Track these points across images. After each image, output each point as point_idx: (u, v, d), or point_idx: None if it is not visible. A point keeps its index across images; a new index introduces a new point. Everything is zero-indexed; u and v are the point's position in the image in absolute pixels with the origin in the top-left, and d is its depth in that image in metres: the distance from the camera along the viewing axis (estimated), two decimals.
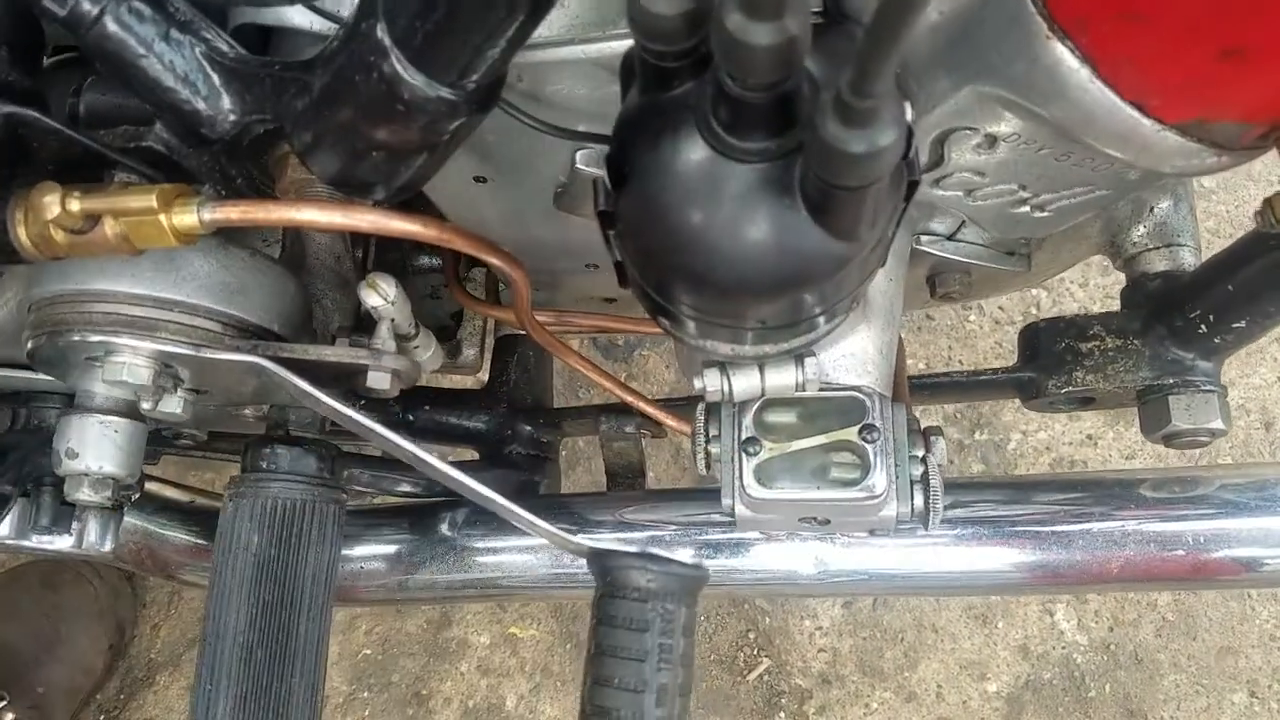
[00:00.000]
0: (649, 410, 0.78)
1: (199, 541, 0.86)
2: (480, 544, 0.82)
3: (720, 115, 0.40)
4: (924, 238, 0.70)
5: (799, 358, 0.56)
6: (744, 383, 0.57)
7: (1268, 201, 0.49)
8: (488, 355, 0.98)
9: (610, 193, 0.46)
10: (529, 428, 0.91)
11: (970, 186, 0.57)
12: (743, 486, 0.58)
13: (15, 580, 1.31)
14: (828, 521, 0.61)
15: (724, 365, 0.57)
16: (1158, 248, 0.73)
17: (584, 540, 0.58)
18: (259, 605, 0.63)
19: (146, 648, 1.35)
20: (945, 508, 0.70)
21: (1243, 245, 0.65)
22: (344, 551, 0.81)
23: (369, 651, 1.32)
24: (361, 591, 0.82)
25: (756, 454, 0.57)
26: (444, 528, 0.83)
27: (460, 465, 0.76)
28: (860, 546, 0.73)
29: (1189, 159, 0.48)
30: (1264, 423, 1.31)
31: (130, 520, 0.85)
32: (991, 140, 0.52)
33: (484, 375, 0.98)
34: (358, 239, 0.75)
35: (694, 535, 0.76)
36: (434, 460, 0.59)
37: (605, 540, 0.63)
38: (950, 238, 0.71)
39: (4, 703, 1.22)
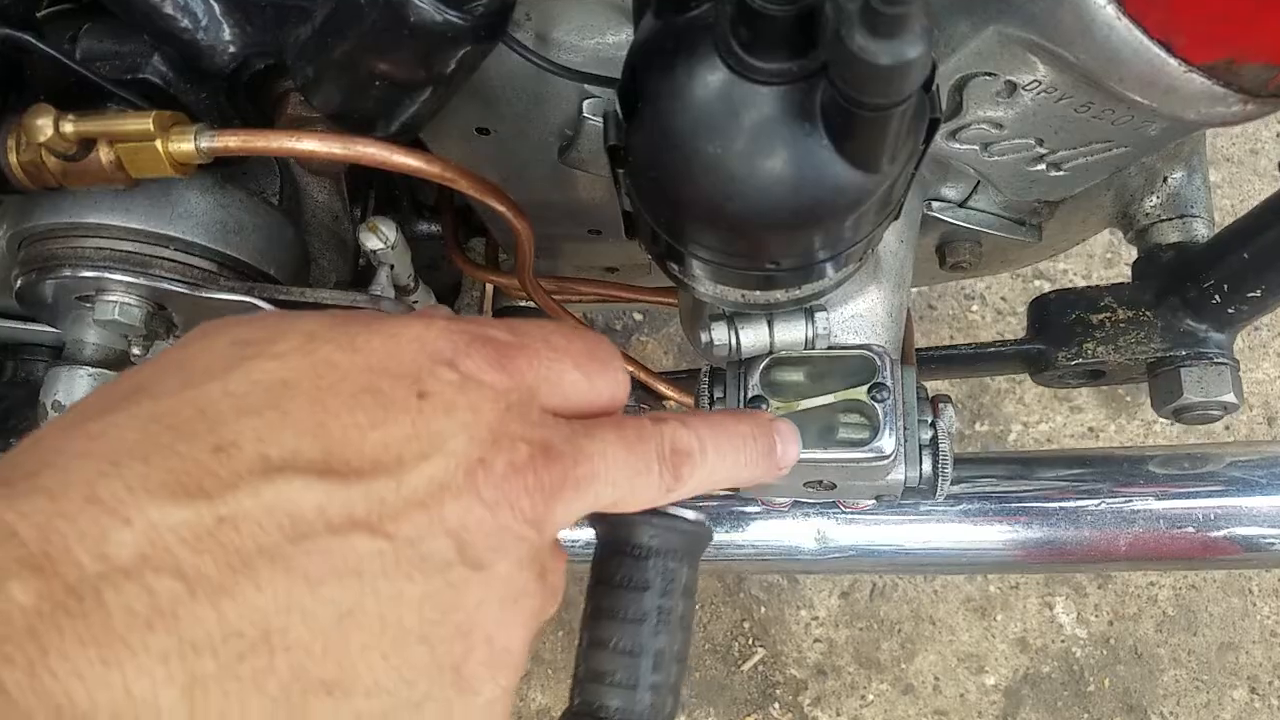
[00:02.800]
0: (649, 381, 0.77)
1: None
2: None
3: (740, 34, 0.39)
4: (935, 204, 0.69)
5: (808, 312, 0.55)
6: (752, 337, 0.55)
7: None
8: None
9: (621, 125, 0.45)
10: None
11: (987, 140, 0.56)
12: None
13: None
14: (834, 486, 0.59)
15: (731, 318, 0.56)
16: (1170, 219, 0.72)
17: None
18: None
19: None
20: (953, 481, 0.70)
21: (1259, 212, 0.64)
22: None
23: None
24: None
25: (762, 409, 0.56)
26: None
27: None
28: (863, 522, 0.71)
29: (1214, 104, 0.47)
30: (1267, 417, 1.30)
31: None
32: (1011, 88, 0.51)
33: None
34: (355, 198, 0.73)
35: (691, 503, 0.74)
36: None
37: None
38: (962, 204, 0.70)
39: None
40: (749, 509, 0.74)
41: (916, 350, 0.77)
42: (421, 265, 0.94)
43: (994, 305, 1.39)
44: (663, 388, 0.80)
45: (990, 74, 0.50)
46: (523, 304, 0.98)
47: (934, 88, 0.42)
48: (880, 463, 0.55)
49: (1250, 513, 0.70)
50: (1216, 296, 0.66)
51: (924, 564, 0.74)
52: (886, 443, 0.55)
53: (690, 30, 0.40)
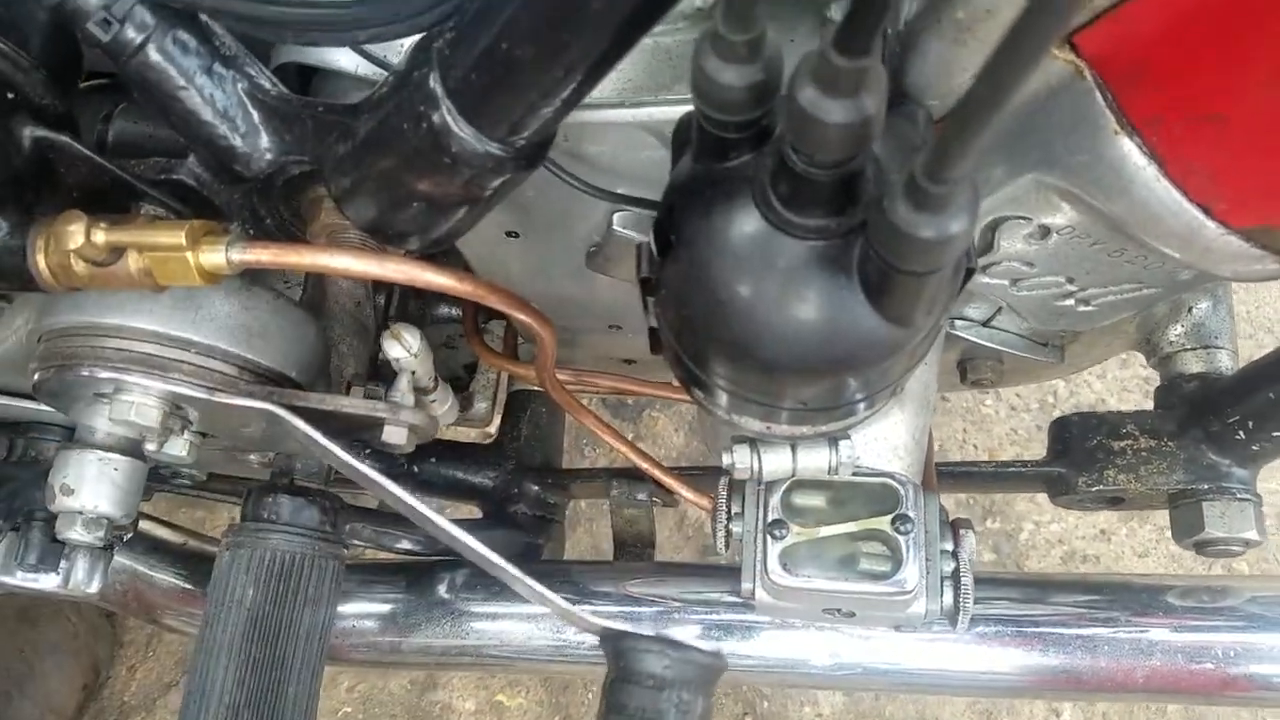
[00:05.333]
0: (664, 479, 0.76)
1: (188, 587, 0.83)
2: (479, 609, 0.79)
3: (780, 189, 0.39)
4: (959, 322, 0.69)
5: (833, 439, 0.54)
6: (774, 462, 0.55)
7: None
8: (499, 410, 0.96)
9: (655, 259, 0.45)
10: (536, 487, 0.89)
11: (1017, 276, 0.56)
12: (766, 571, 0.55)
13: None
14: (853, 614, 0.58)
15: (754, 442, 0.55)
16: (1194, 349, 0.72)
17: (597, 619, 0.55)
18: (249, 663, 0.60)
19: (120, 690, 1.30)
20: None
21: None
22: (338, 609, 0.78)
23: (349, 709, 1.27)
24: (352, 651, 0.79)
25: (783, 538, 0.55)
26: (442, 589, 0.80)
27: (463, 524, 0.73)
28: (876, 640, 0.70)
29: (1249, 264, 0.47)
30: (1275, 529, 1.28)
31: (119, 560, 0.82)
32: (1044, 231, 0.51)
33: (493, 430, 0.95)
34: (380, 286, 0.73)
35: (703, 614, 0.72)
36: (443, 521, 0.56)
37: (615, 618, 0.60)
38: (985, 324, 0.69)
39: None
40: (760, 620, 0.72)
41: (937, 464, 0.76)
42: (440, 344, 0.95)
43: (1008, 400, 1.38)
44: (675, 484, 0.79)
45: (1025, 217, 0.50)
46: (535, 388, 0.97)
47: (972, 241, 0.42)
48: (903, 597, 0.54)
49: (1270, 651, 0.68)
50: (1240, 433, 0.65)
51: (936, 686, 0.72)
52: (910, 576, 0.54)
53: (729, 179, 0.40)
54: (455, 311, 0.86)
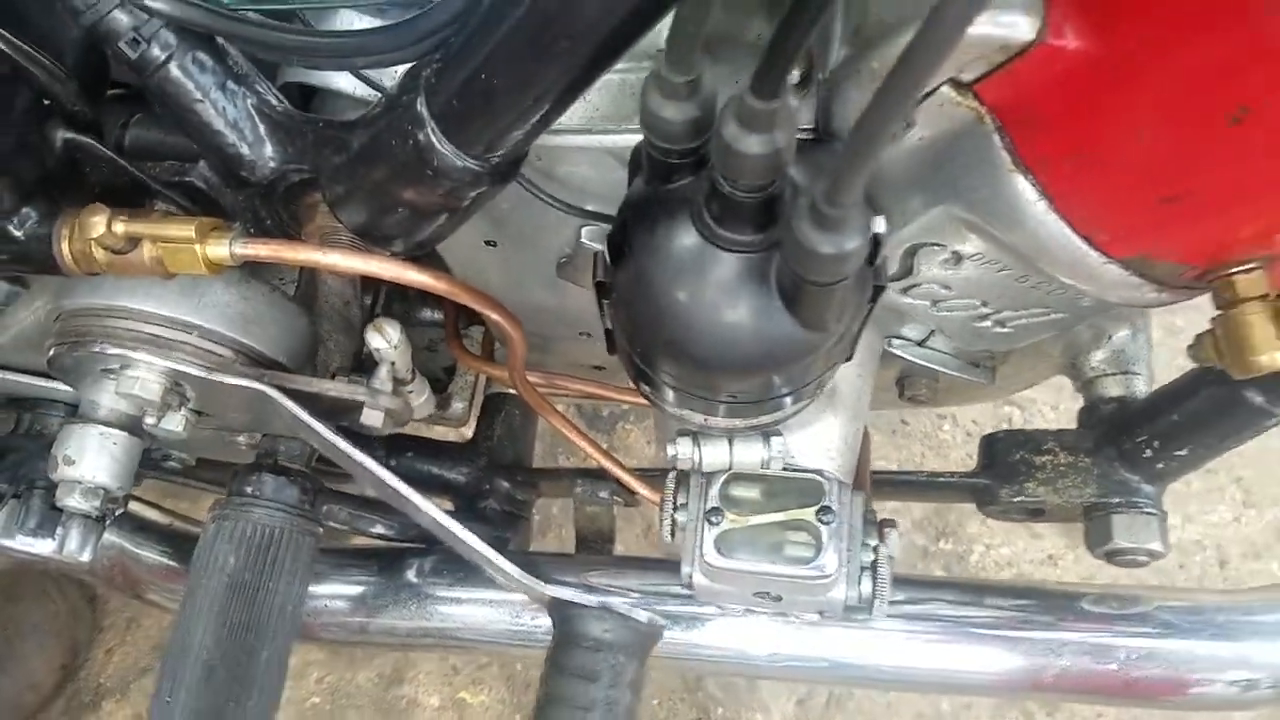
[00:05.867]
0: (623, 477, 0.82)
1: (172, 564, 0.87)
2: (444, 593, 0.85)
3: (712, 209, 0.45)
4: (896, 341, 0.75)
5: (766, 435, 0.61)
6: (713, 454, 0.61)
7: (1199, 337, 0.54)
8: (475, 411, 1.02)
9: (609, 266, 0.51)
10: (506, 484, 0.95)
11: (936, 298, 0.62)
12: (702, 554, 0.61)
13: None
14: (780, 598, 0.64)
15: (696, 435, 0.61)
16: (1114, 374, 0.78)
17: (545, 587, 0.61)
18: (226, 626, 0.65)
19: (98, 672, 1.34)
20: (900, 602, 0.74)
21: (1189, 379, 0.70)
22: (310, 588, 0.84)
23: (318, 700, 1.32)
24: (321, 629, 0.84)
25: (718, 524, 0.61)
26: (410, 574, 0.85)
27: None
28: (812, 633, 0.76)
29: (1132, 291, 0.53)
30: (1219, 560, 1.35)
31: (108, 537, 0.87)
32: (957, 257, 0.57)
33: (469, 430, 1.01)
34: (367, 286, 0.79)
35: (653, 604, 0.78)
36: (412, 494, 0.62)
37: (567, 592, 0.66)
38: (920, 344, 0.76)
39: None
40: (707, 610, 0.78)
41: (874, 472, 0.82)
42: (422, 347, 1.00)
43: (965, 427, 1.45)
44: (633, 482, 0.85)
45: (939, 244, 0.57)
46: (511, 391, 1.03)
47: (881, 260, 0.48)
48: (821, 580, 0.60)
49: (1171, 655, 0.74)
50: (1148, 451, 0.72)
51: (870, 678, 0.78)
52: (829, 562, 0.60)
53: (672, 199, 0.47)
54: (437, 315, 0.92)
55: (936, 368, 0.76)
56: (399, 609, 0.85)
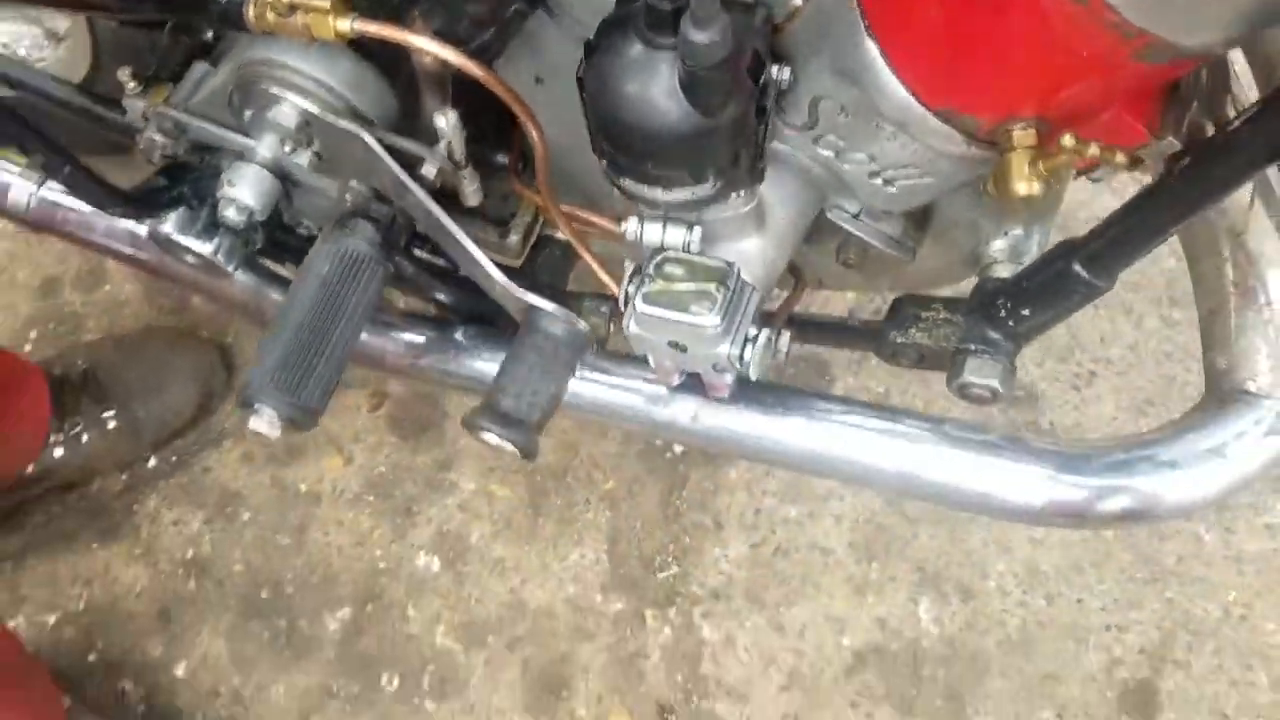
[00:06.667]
0: (606, 279, 1.02)
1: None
2: (476, 352, 1.09)
3: (647, 19, 0.65)
4: (835, 211, 0.94)
5: (690, 225, 0.81)
6: (651, 233, 0.81)
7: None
8: (528, 246, 1.25)
9: (584, 64, 0.72)
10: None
11: (836, 149, 0.81)
12: (634, 306, 0.82)
13: (150, 334, 1.65)
14: (685, 349, 0.84)
15: (642, 218, 0.82)
16: (1004, 261, 0.95)
17: (525, 295, 0.85)
18: (315, 306, 0.90)
19: (222, 419, 1.66)
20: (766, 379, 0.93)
21: (1042, 258, 0.86)
22: (379, 328, 1.09)
23: (383, 470, 1.59)
24: (380, 356, 1.10)
25: (648, 285, 0.82)
26: (457, 335, 1.10)
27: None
28: (715, 409, 0.96)
29: (950, 143, 0.71)
30: None
31: (246, 276, 1.15)
32: (843, 108, 0.76)
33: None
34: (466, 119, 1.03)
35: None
36: (449, 221, 0.86)
37: (537, 299, 0.89)
38: (855, 217, 0.94)
39: (111, 412, 1.55)
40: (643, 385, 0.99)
41: (794, 313, 1.02)
42: (497, 195, 1.24)
43: None
44: (611, 284, 1.04)
45: (829, 97, 0.76)
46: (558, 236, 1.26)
47: (769, 90, 0.68)
48: (711, 332, 0.79)
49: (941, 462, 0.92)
50: (1003, 312, 0.88)
51: (728, 446, 0.98)
52: (716, 320, 0.79)
53: (626, 14, 0.67)
54: (505, 160, 1.15)
55: (865, 237, 0.94)
56: (440, 355, 1.10)
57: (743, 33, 0.65)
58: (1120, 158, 0.66)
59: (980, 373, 0.89)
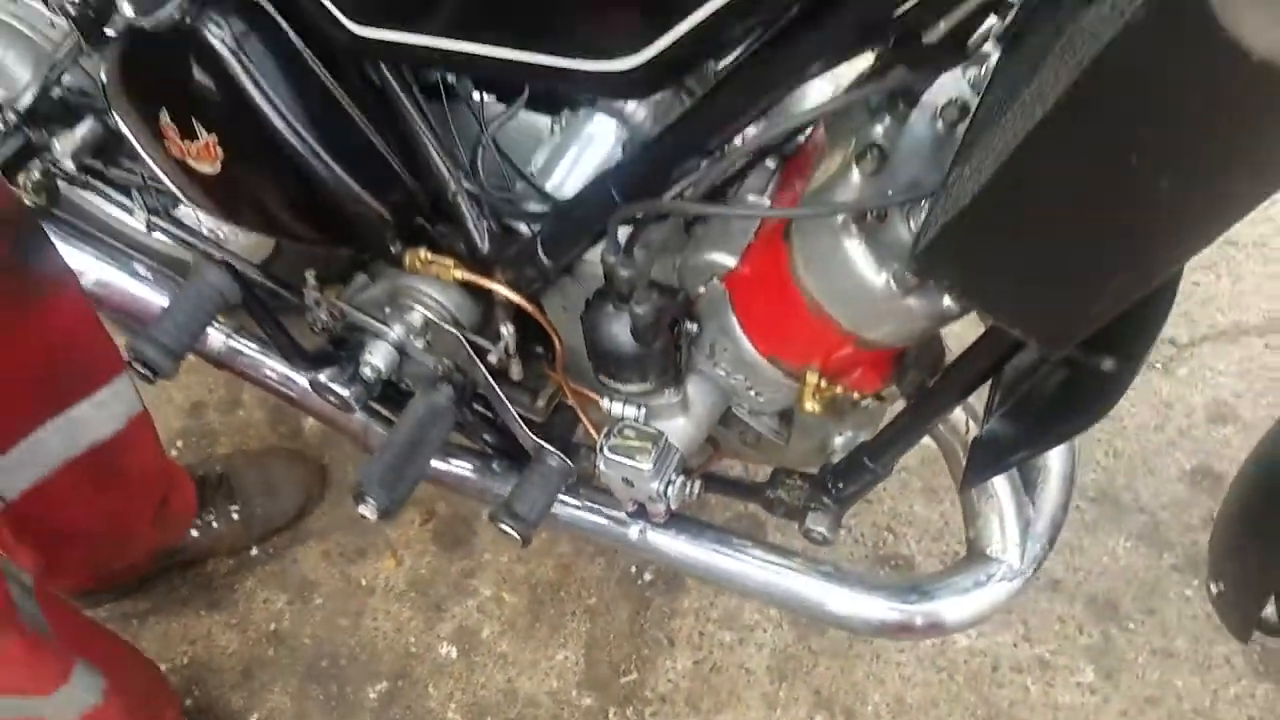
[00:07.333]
0: (594, 434, 1.56)
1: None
2: (503, 477, 1.63)
3: (615, 294, 1.22)
4: (737, 407, 1.48)
5: (637, 405, 1.35)
6: (616, 408, 1.36)
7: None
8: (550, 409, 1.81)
9: (584, 311, 1.29)
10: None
11: (727, 371, 1.35)
12: (602, 451, 1.35)
13: (270, 451, 2.22)
14: (631, 483, 1.36)
15: (611, 398, 1.37)
16: (840, 452, 1.47)
17: (537, 443, 1.39)
18: (410, 436, 1.46)
19: (312, 522, 2.18)
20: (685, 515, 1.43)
21: (849, 453, 1.39)
22: (442, 454, 1.65)
23: (424, 572, 2.08)
24: (442, 475, 1.64)
25: (611, 440, 1.35)
26: (494, 465, 1.65)
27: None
28: (654, 533, 1.47)
29: (777, 376, 1.26)
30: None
31: (361, 415, 1.73)
32: (725, 349, 1.31)
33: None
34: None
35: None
36: (500, 394, 1.42)
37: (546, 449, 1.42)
38: (750, 412, 1.48)
39: (236, 508, 2.09)
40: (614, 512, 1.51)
41: (712, 470, 1.54)
42: (532, 373, 1.82)
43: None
44: (598, 437, 1.59)
45: (718, 343, 1.31)
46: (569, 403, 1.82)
47: (678, 332, 1.25)
48: (644, 473, 1.31)
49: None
50: (832, 485, 1.40)
51: (674, 562, 1.47)
52: (647, 465, 1.31)
53: (607, 289, 1.25)
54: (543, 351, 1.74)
55: (755, 426, 1.48)
56: (482, 478, 1.63)
57: (667, 305, 1.23)
58: (865, 398, 1.21)
59: (816, 522, 1.40)
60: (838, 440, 1.47)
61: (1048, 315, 0.80)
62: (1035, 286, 0.78)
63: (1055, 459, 1.33)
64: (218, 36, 1.08)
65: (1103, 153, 0.64)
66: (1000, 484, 1.33)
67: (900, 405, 1.26)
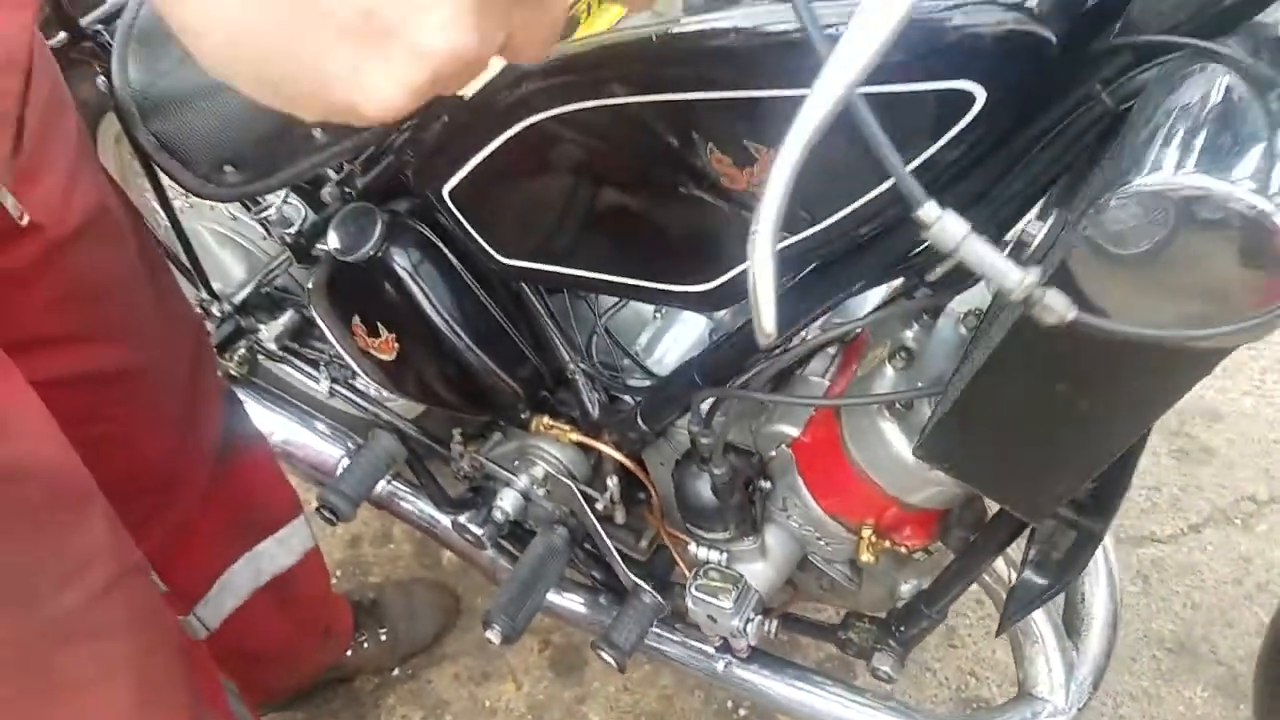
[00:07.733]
0: (684, 569, 1.79)
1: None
2: (607, 610, 1.87)
3: (697, 460, 1.47)
4: (813, 555, 1.69)
5: (720, 551, 1.58)
6: (702, 553, 1.59)
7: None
8: (652, 548, 2.05)
9: (674, 471, 1.54)
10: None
11: (799, 523, 1.58)
12: (691, 591, 1.58)
13: (414, 580, 2.53)
14: (715, 621, 1.58)
15: (698, 544, 1.60)
16: (907, 599, 1.65)
17: (635, 581, 1.63)
18: (532, 571, 1.74)
19: (446, 646, 2.46)
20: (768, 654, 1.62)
21: (906, 602, 1.56)
22: (557, 588, 1.91)
23: (541, 697, 2.30)
24: (556, 606, 1.90)
25: (698, 579, 1.58)
26: (600, 599, 1.89)
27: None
28: (737, 666, 1.67)
29: (840, 529, 1.47)
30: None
31: (489, 551, 2.01)
32: (796, 504, 1.54)
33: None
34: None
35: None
36: (606, 538, 1.68)
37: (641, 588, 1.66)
38: (825, 560, 1.69)
39: (384, 630, 2.39)
40: (703, 646, 1.72)
41: (790, 612, 1.73)
42: (635, 517, 2.07)
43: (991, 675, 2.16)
44: (687, 572, 1.81)
45: (788, 498, 1.53)
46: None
47: (752, 488, 1.49)
48: (726, 611, 1.52)
49: None
50: (896, 628, 1.58)
51: (759, 696, 1.66)
52: (729, 602, 1.52)
53: (691, 452, 1.50)
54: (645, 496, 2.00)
55: (829, 572, 1.68)
56: (590, 611, 1.88)
57: (742, 467, 1.48)
58: (914, 552, 1.41)
59: (881, 661, 1.57)
60: (904, 587, 1.65)
61: (1023, 491, 1.01)
62: (1009, 469, 1.00)
63: (1099, 606, 1.47)
64: (401, 264, 1.45)
65: (1032, 382, 0.88)
66: (1046, 629, 1.48)
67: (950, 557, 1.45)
